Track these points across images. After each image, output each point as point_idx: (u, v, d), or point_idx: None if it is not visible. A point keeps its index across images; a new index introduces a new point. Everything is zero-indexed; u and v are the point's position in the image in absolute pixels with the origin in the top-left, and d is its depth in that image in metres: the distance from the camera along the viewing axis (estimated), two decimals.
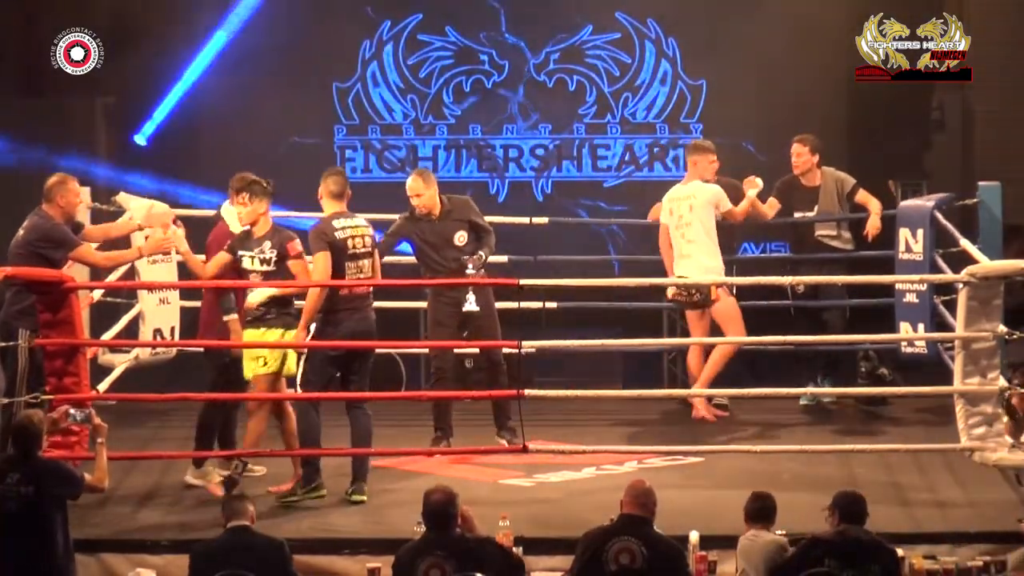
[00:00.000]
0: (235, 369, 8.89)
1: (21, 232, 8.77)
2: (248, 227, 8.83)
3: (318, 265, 8.72)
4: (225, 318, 8.86)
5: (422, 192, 9.59)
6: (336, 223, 8.82)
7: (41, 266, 8.54)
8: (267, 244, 8.76)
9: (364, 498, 8.65)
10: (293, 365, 8.85)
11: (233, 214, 9.04)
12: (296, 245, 8.77)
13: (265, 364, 8.69)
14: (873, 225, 10.68)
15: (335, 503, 8.61)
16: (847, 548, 6.69)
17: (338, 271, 8.75)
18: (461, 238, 9.66)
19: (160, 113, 13.02)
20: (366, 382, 8.92)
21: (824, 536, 6.81)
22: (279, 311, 8.75)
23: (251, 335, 8.75)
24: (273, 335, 8.70)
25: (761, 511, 7.00)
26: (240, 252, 8.79)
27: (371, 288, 8.89)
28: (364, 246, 8.85)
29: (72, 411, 7.75)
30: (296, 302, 8.84)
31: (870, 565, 6.64)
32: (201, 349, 9.35)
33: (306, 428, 8.74)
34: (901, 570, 6.84)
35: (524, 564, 7.10)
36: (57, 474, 7.14)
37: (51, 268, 8.54)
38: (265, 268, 8.75)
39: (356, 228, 8.86)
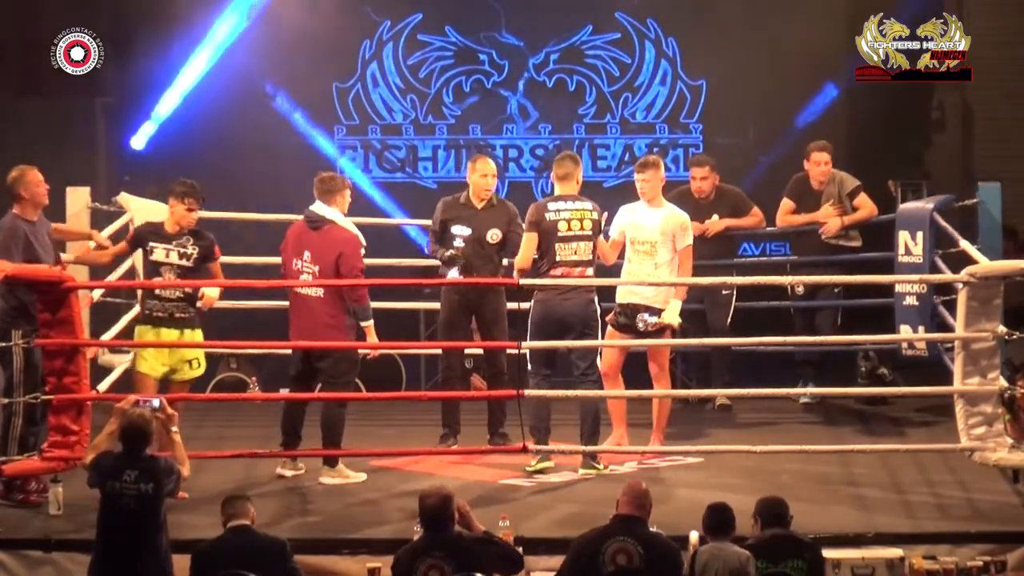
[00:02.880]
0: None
1: None
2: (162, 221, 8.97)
3: (523, 245, 9.04)
4: (363, 324, 8.96)
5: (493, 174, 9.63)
6: (551, 205, 9.07)
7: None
8: (188, 240, 8.88)
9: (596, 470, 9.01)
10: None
11: (337, 214, 9.05)
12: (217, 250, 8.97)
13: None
14: (849, 216, 10.68)
15: (335, 503, 8.60)
16: (769, 548, 6.86)
17: (548, 252, 9.00)
18: (494, 236, 9.63)
19: (158, 118, 13.03)
20: (587, 361, 9.06)
21: (748, 543, 6.93)
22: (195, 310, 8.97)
23: (169, 335, 8.87)
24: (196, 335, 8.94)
25: (721, 524, 6.96)
26: (152, 244, 8.90)
27: (586, 271, 9.04)
28: (581, 229, 9.02)
29: (145, 399, 7.78)
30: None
31: (794, 560, 6.84)
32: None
33: (533, 411, 9.00)
34: (824, 566, 7.03)
35: (523, 558, 7.10)
36: (168, 470, 7.17)
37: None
38: (184, 263, 8.89)
39: (575, 212, 9.06)
